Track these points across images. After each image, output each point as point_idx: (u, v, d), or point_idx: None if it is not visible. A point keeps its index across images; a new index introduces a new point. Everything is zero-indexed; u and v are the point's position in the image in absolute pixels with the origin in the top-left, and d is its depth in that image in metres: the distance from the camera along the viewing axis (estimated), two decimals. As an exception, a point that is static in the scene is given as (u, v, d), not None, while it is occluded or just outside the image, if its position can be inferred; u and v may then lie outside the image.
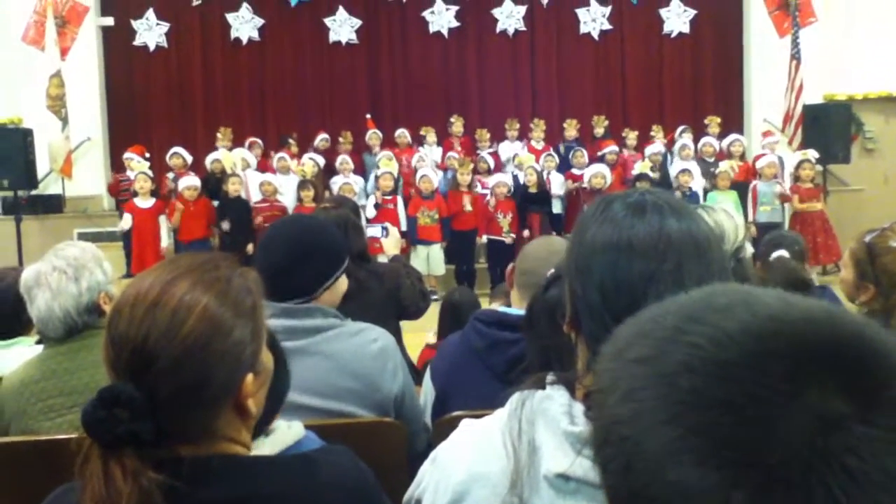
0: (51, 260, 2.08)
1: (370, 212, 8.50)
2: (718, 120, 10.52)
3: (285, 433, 1.25)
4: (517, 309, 2.03)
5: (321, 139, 10.41)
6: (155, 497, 0.95)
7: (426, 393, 2.14)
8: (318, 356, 1.92)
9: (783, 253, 2.99)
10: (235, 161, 9.35)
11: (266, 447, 1.20)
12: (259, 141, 10.38)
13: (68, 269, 2.05)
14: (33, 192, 9.74)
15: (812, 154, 8.93)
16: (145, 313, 1.02)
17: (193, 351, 1.02)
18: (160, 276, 1.07)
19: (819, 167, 9.25)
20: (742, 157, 9.77)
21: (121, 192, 9.58)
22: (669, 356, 0.51)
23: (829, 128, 9.55)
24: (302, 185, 8.77)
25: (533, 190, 9.00)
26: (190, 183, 8.61)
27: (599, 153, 9.87)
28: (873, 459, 0.45)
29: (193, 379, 1.02)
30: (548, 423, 0.98)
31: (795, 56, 10.19)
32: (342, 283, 2.14)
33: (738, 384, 0.48)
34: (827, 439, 0.45)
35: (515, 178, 9.40)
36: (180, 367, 1.01)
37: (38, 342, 2.29)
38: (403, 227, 8.40)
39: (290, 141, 10.33)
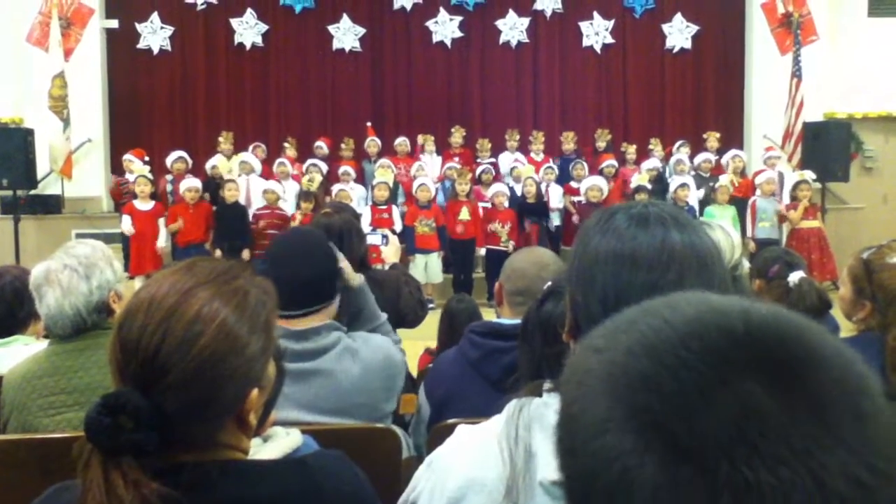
0: (61, 258, 2.07)
1: (366, 221, 8.50)
2: (717, 135, 10.55)
3: (283, 440, 1.25)
4: (511, 319, 2.04)
5: (317, 147, 10.40)
6: None
7: (420, 408, 2.14)
8: (327, 375, 1.94)
9: (802, 273, 2.91)
10: (232, 167, 9.36)
11: (264, 454, 1.19)
12: (262, 146, 10.38)
13: (79, 268, 2.04)
14: (32, 192, 9.73)
15: (809, 175, 8.95)
16: (160, 322, 0.99)
17: (206, 367, 0.99)
18: (178, 282, 1.04)
19: (818, 185, 9.28)
20: (742, 172, 9.80)
21: (122, 196, 9.58)
22: (619, 343, 0.55)
23: (828, 146, 9.58)
24: (303, 195, 8.76)
25: (531, 201, 9.01)
26: (191, 185, 8.61)
27: (600, 167, 9.89)
28: (779, 436, 0.47)
29: (202, 394, 1.00)
30: (544, 430, 0.98)
31: (796, 74, 10.24)
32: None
33: (662, 360, 0.51)
34: (736, 414, 0.48)
35: (512, 189, 9.41)
36: (191, 382, 0.99)
37: (45, 336, 2.28)
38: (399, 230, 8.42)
39: (286, 144, 10.32)
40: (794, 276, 2.76)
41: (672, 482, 0.47)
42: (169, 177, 9.48)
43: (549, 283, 1.69)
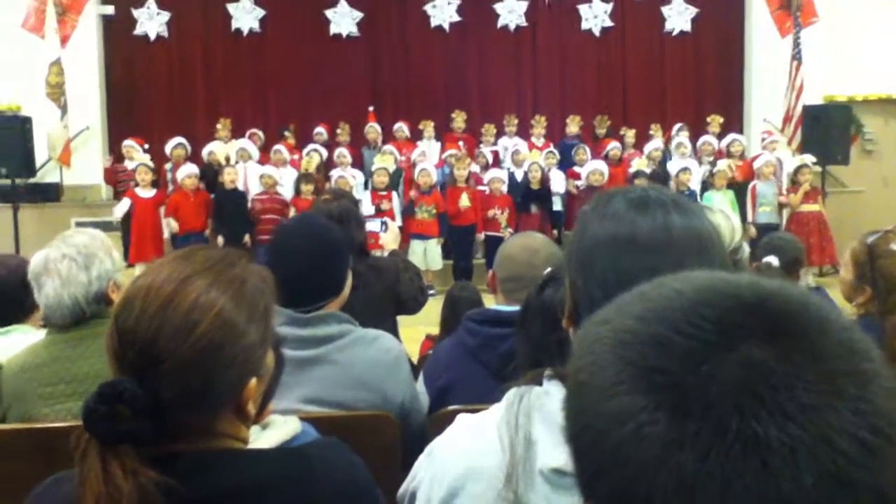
0: (60, 247, 2.05)
1: (366, 207, 8.48)
2: (720, 119, 10.52)
3: (281, 428, 1.25)
4: (508, 306, 2.03)
5: (316, 133, 10.38)
6: (153, 496, 0.94)
7: (420, 396, 2.14)
8: (331, 366, 1.91)
9: (773, 259, 2.95)
10: (230, 154, 9.35)
11: (262, 441, 1.19)
12: (259, 133, 10.35)
13: (78, 257, 2.02)
14: (31, 181, 9.71)
15: (809, 159, 8.93)
16: (157, 311, 0.99)
17: (203, 355, 0.99)
18: (175, 270, 1.04)
19: (818, 168, 9.26)
20: (741, 156, 9.77)
21: (118, 183, 9.57)
22: (629, 312, 0.57)
23: (828, 129, 9.54)
24: (303, 178, 8.75)
25: (535, 186, 8.99)
26: (190, 171, 8.60)
27: (604, 151, 9.86)
28: (787, 393, 0.48)
29: (199, 383, 1.00)
30: (544, 418, 0.98)
31: (796, 56, 10.19)
32: (349, 278, 2.15)
33: (673, 325, 0.53)
34: (746, 373, 0.49)
35: (512, 174, 9.39)
36: (188, 370, 0.99)
37: (43, 326, 2.27)
38: (399, 223, 8.39)
39: (287, 133, 10.30)
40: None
41: (683, 437, 0.49)
42: (168, 165, 9.46)
43: (549, 268, 1.68)
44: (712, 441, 0.48)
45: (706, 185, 9.15)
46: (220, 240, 8.33)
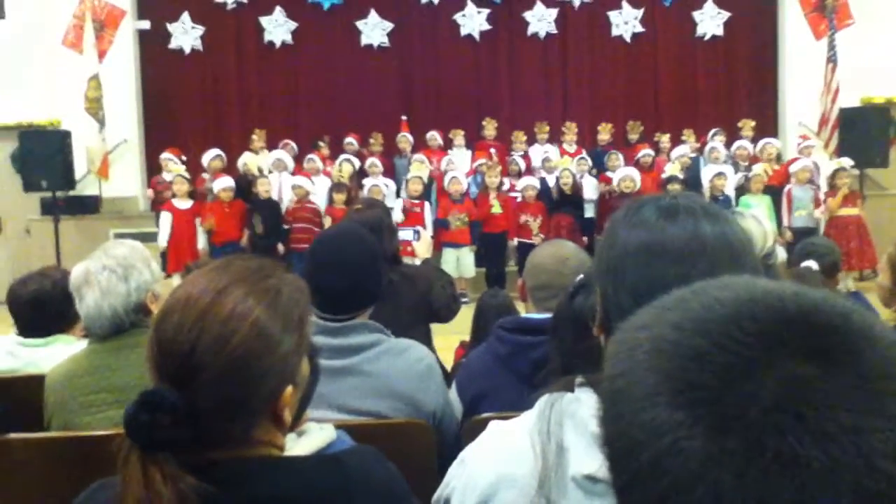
0: (100, 259, 2.11)
1: (398, 216, 8.52)
2: (752, 123, 10.39)
3: (317, 435, 1.27)
4: (539, 314, 2.04)
5: (347, 143, 10.45)
6: (192, 501, 0.96)
7: (453, 404, 2.15)
8: (362, 375, 1.92)
9: (812, 264, 2.91)
10: (261, 164, 9.46)
11: (298, 449, 1.21)
12: (292, 143, 10.45)
13: (118, 269, 2.07)
14: (71, 193, 9.91)
15: (847, 162, 8.79)
16: (195, 321, 1.02)
17: (240, 364, 1.02)
18: (212, 281, 1.06)
19: (855, 171, 9.10)
20: (777, 160, 9.64)
21: (158, 196, 9.72)
22: (667, 320, 0.56)
23: (866, 131, 9.39)
24: (336, 187, 8.83)
25: (568, 192, 8.96)
26: (226, 184, 8.71)
27: (636, 157, 9.80)
28: (829, 413, 0.47)
29: (236, 391, 1.02)
30: (576, 425, 0.99)
31: (831, 59, 10.04)
32: None
33: (713, 338, 0.52)
34: (786, 392, 0.49)
35: (543, 180, 9.37)
36: (226, 379, 1.01)
37: (85, 336, 2.32)
38: (431, 232, 8.41)
39: (321, 144, 10.39)
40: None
41: (721, 453, 0.48)
42: (207, 175, 9.59)
43: (581, 276, 1.68)
44: (750, 459, 0.47)
45: (742, 189, 9.05)
46: (259, 228, 8.41)
